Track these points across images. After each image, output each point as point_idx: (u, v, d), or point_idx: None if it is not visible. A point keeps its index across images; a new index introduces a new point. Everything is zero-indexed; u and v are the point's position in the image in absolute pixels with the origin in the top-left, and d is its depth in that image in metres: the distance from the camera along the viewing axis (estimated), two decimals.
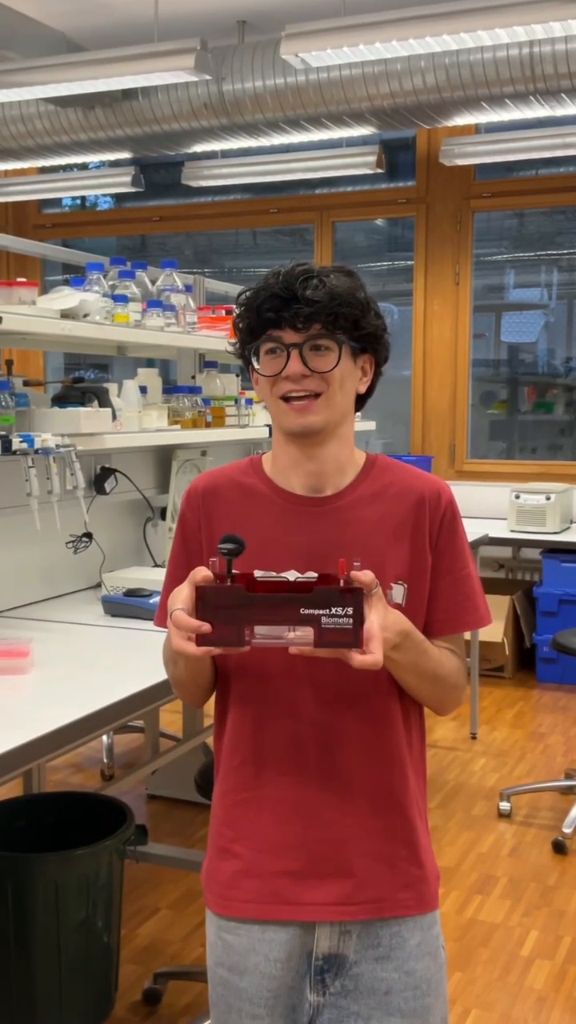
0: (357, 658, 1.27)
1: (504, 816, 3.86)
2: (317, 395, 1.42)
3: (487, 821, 3.83)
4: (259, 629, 1.28)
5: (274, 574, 1.35)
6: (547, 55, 4.53)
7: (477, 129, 6.10)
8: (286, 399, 1.43)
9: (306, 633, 1.27)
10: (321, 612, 1.26)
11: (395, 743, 1.47)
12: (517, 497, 5.49)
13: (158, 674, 2.21)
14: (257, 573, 1.34)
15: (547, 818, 3.86)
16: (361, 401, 1.52)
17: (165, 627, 1.40)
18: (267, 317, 1.41)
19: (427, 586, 1.48)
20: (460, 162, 5.91)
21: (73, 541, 3.10)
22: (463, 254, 6.44)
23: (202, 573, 1.30)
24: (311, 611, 1.26)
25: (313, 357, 1.41)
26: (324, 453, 1.47)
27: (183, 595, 1.31)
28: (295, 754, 1.45)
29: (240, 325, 1.46)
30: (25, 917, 2.36)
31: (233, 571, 1.31)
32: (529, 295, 6.89)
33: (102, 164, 6.60)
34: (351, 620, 1.26)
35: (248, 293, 1.44)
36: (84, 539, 3.13)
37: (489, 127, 5.93)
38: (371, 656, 1.27)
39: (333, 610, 1.26)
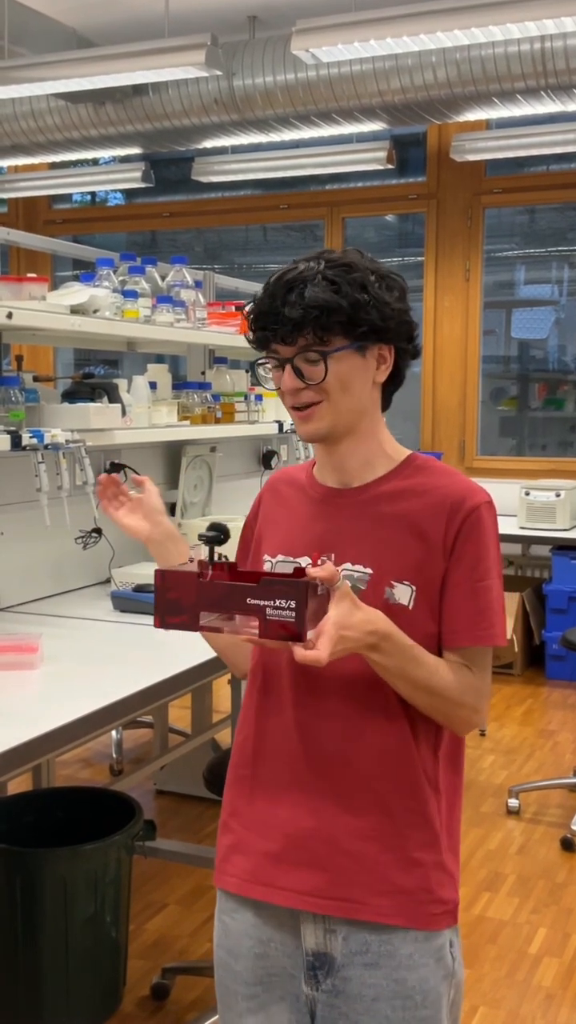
0: (299, 652, 1.25)
1: (513, 813, 3.86)
2: (319, 402, 1.42)
3: (496, 818, 3.82)
4: (211, 615, 1.31)
5: (290, 559, 1.39)
6: (559, 50, 4.51)
7: (488, 125, 6.08)
8: (294, 407, 1.45)
9: (254, 623, 1.28)
10: (266, 603, 1.26)
11: (397, 750, 1.42)
12: (527, 494, 5.47)
13: (167, 669, 2.22)
14: (278, 558, 1.43)
15: (556, 815, 3.86)
16: (391, 389, 1.50)
17: None
18: (259, 334, 1.43)
19: (438, 593, 1.43)
20: (471, 158, 5.90)
21: (83, 536, 3.10)
22: (473, 250, 6.42)
23: (186, 558, 1.37)
24: (256, 602, 1.27)
25: (307, 368, 1.40)
26: (342, 451, 1.47)
27: (136, 522, 1.64)
28: (290, 741, 1.45)
29: (249, 338, 1.48)
30: (33, 912, 2.36)
31: (218, 559, 1.36)
32: (540, 291, 6.87)
33: (112, 160, 6.60)
34: (294, 612, 1.25)
35: (249, 306, 1.45)
36: (93, 534, 3.13)
37: (500, 123, 5.92)
38: (314, 652, 1.25)
39: (277, 602, 1.26)
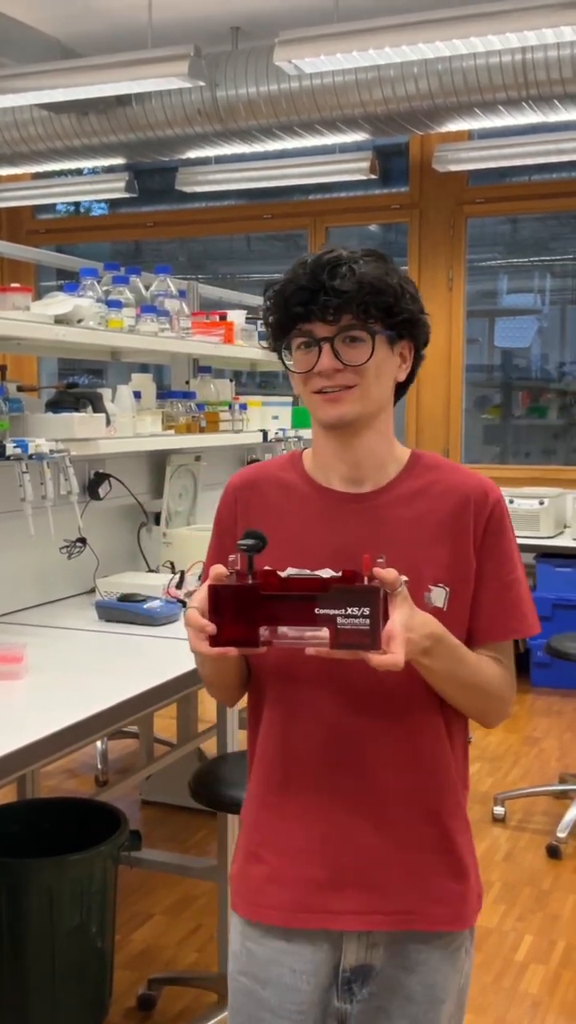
0: (375, 659, 1.21)
1: (498, 820, 3.86)
2: (351, 386, 1.37)
3: (481, 825, 3.83)
4: (281, 628, 1.24)
5: (307, 572, 1.29)
6: (539, 61, 4.55)
7: (470, 135, 6.12)
8: (322, 390, 1.37)
9: (323, 634, 1.22)
10: (336, 612, 1.20)
11: (433, 752, 1.41)
12: (511, 502, 5.49)
13: (152, 679, 2.22)
14: (290, 571, 1.28)
15: (541, 822, 3.86)
16: (401, 389, 1.46)
17: None
18: (296, 311, 1.35)
19: (471, 591, 1.41)
20: (453, 168, 5.93)
21: (67, 546, 3.10)
22: (457, 260, 6.45)
23: (217, 571, 1.27)
24: (326, 611, 1.21)
25: (346, 349, 1.35)
26: (361, 444, 1.41)
27: (201, 594, 1.28)
28: (323, 760, 1.40)
29: (270, 320, 1.40)
30: (19, 923, 2.35)
31: (258, 568, 1.26)
32: (522, 300, 6.91)
33: (96, 170, 6.60)
34: (368, 620, 1.20)
35: (276, 286, 1.37)
36: (78, 544, 3.13)
37: (482, 133, 5.95)
38: (391, 656, 1.21)
39: (349, 610, 1.20)
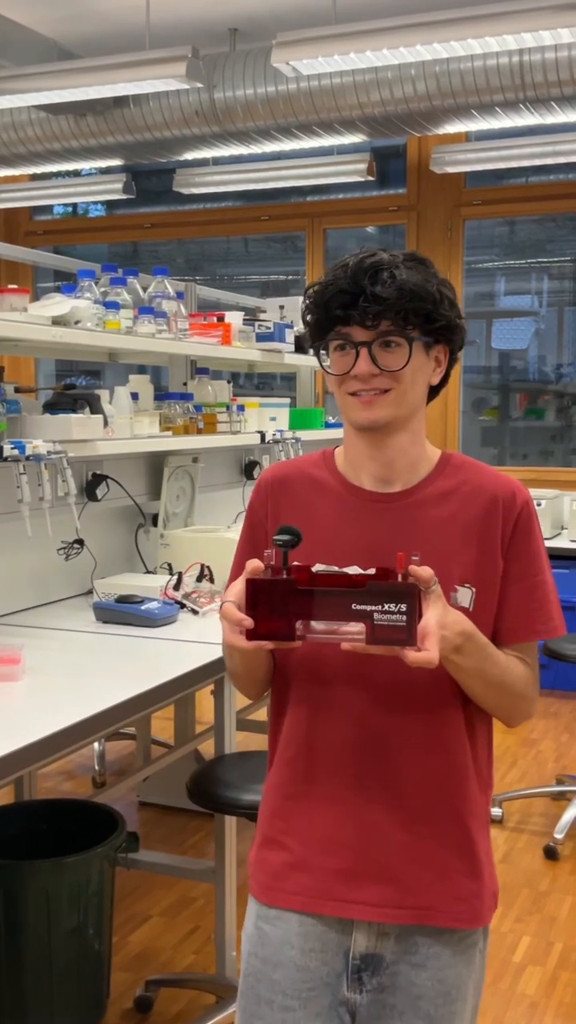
0: (411, 655, 1.23)
1: (496, 822, 3.86)
2: (386, 390, 1.38)
3: None
4: (314, 623, 1.25)
5: (335, 568, 1.30)
6: (536, 63, 4.55)
7: (467, 137, 6.13)
8: (357, 393, 1.39)
9: (359, 629, 1.23)
10: (374, 608, 1.22)
11: (456, 750, 1.43)
12: None
13: (149, 681, 2.22)
14: (318, 567, 1.30)
15: (539, 824, 3.87)
16: (434, 392, 1.48)
17: None
18: (335, 314, 1.36)
19: (497, 591, 1.43)
20: (451, 170, 5.94)
21: (64, 548, 3.10)
22: (454, 261, 6.46)
23: (254, 565, 1.28)
24: (364, 607, 1.22)
25: (383, 354, 1.37)
26: (393, 445, 1.43)
27: (236, 588, 1.29)
28: (349, 754, 1.42)
29: (308, 319, 1.41)
30: (16, 924, 2.35)
31: (291, 563, 1.27)
32: (520, 302, 6.91)
33: (94, 171, 6.60)
34: (405, 616, 1.21)
35: (316, 287, 1.39)
36: (75, 546, 3.13)
37: (479, 135, 5.96)
38: (426, 653, 1.23)
39: (386, 606, 1.21)
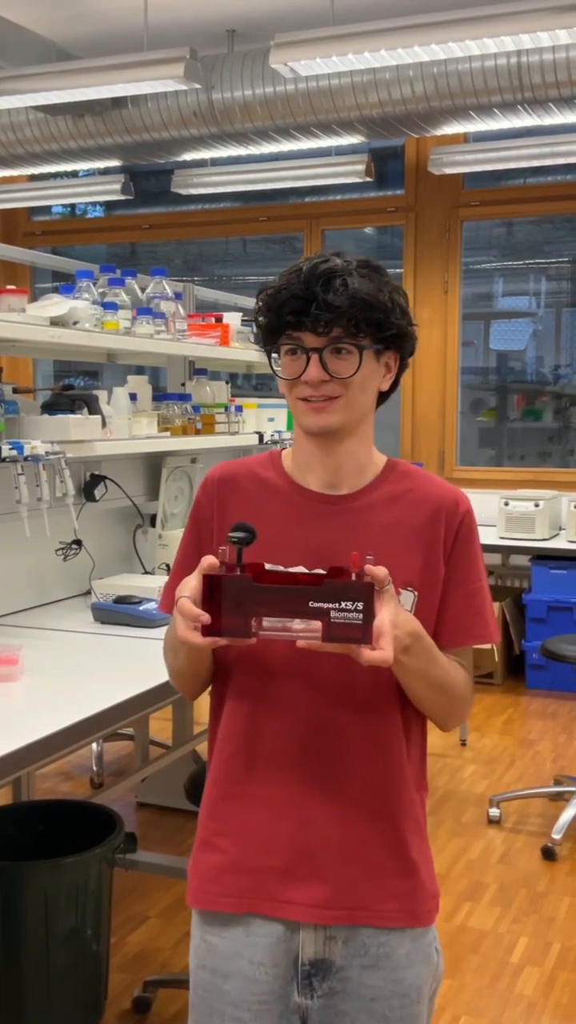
0: (367, 654, 1.24)
1: (494, 823, 3.87)
2: (336, 397, 1.39)
3: (477, 828, 3.83)
4: (267, 621, 1.25)
5: (281, 568, 1.31)
6: (535, 65, 4.56)
7: (466, 138, 6.13)
8: (308, 399, 1.40)
9: (314, 627, 1.23)
10: (330, 605, 1.22)
11: (394, 752, 1.44)
12: (506, 504, 5.50)
13: (148, 681, 2.21)
14: (267, 566, 1.31)
15: (536, 824, 3.87)
16: (383, 398, 1.49)
17: (170, 613, 1.40)
18: (287, 319, 1.37)
19: (437, 596, 1.45)
20: (449, 171, 5.94)
21: (63, 548, 3.10)
22: (452, 262, 6.46)
23: (209, 561, 1.29)
24: (320, 604, 1.23)
25: (333, 361, 1.38)
26: (343, 450, 1.44)
27: (191, 584, 1.29)
28: (291, 749, 1.42)
29: (260, 321, 1.42)
30: (14, 925, 2.35)
31: (243, 561, 1.28)
32: (518, 303, 6.92)
33: (92, 172, 6.60)
34: (361, 615, 1.22)
35: (270, 291, 1.40)
36: (74, 546, 3.13)
37: (477, 136, 5.97)
38: (381, 652, 1.24)
39: (343, 604, 1.22)
